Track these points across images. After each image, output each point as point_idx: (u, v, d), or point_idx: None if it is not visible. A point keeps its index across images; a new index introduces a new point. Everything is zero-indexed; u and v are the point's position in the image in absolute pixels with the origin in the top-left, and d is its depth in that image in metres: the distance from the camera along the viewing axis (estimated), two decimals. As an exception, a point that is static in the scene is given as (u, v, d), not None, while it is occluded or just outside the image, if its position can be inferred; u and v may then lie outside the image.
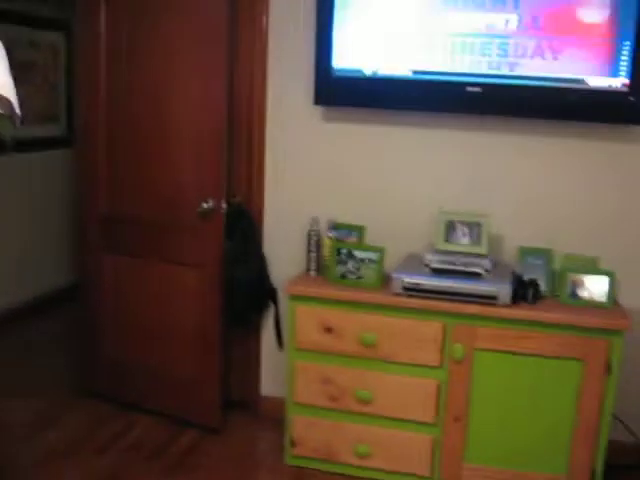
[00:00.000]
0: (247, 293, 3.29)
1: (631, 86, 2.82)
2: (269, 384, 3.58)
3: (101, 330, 3.58)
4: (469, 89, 2.94)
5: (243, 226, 3.30)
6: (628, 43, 2.79)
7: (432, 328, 2.81)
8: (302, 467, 3.09)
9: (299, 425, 3.05)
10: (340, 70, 3.07)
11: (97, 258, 3.53)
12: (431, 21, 2.94)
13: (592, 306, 2.84)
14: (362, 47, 3.04)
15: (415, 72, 3.00)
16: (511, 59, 2.90)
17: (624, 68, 2.82)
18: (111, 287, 3.52)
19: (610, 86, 2.85)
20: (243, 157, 3.37)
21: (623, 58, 2.81)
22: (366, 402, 2.93)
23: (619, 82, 2.84)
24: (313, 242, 3.15)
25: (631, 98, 2.83)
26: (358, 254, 2.97)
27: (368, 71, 3.04)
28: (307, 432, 3.04)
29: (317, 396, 2.99)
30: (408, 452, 2.94)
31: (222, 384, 3.34)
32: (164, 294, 3.37)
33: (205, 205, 3.12)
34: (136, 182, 3.37)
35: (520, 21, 2.85)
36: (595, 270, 2.93)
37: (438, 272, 2.87)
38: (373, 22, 3.00)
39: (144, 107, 3.28)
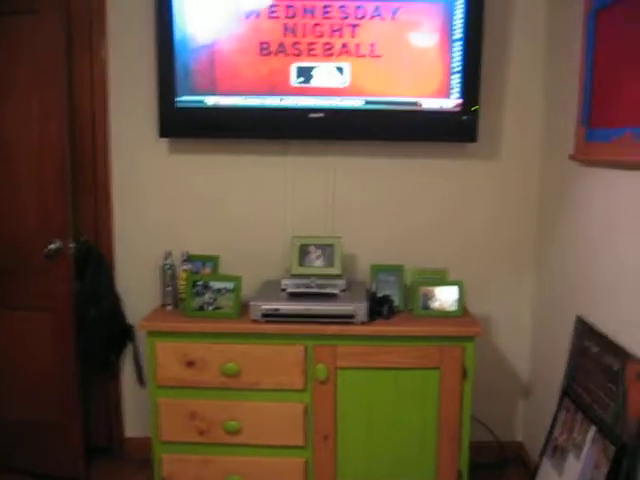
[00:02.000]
0: (102, 334, 3.20)
1: (463, 106, 3.00)
2: (134, 425, 3.48)
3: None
4: (312, 115, 3.01)
5: (93, 265, 3.20)
6: (458, 66, 2.97)
7: (294, 351, 2.83)
8: (174, 506, 3.01)
9: (168, 463, 2.96)
10: (183, 101, 3.05)
11: None
12: (269, 50, 3.00)
13: (444, 316, 2.97)
14: (203, 78, 3.03)
15: (256, 99, 3.03)
16: (350, 83, 3.00)
17: (456, 90, 2.99)
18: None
19: (442, 107, 3.01)
20: (89, 194, 3.28)
21: (455, 80, 2.98)
22: (235, 432, 2.90)
23: (452, 103, 3.00)
24: (167, 276, 3.10)
25: (464, 117, 3.00)
26: (214, 285, 2.94)
27: (210, 101, 3.04)
28: (177, 469, 2.97)
29: (184, 432, 2.93)
30: (281, 477, 2.93)
31: (83, 431, 3.21)
32: (11, 343, 3.18)
33: (51, 246, 2.99)
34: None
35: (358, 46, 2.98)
36: (444, 281, 3.07)
37: (295, 296, 2.90)
38: (213, 54, 3.01)
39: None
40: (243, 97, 3.03)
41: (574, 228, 2.81)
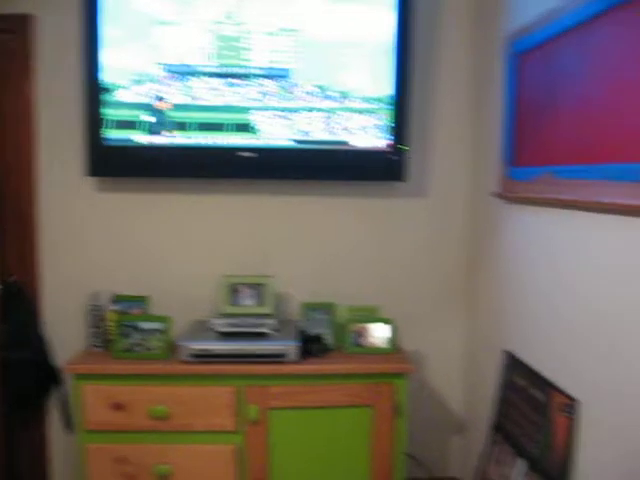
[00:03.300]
0: (28, 376, 3.10)
1: (393, 146, 3.04)
2: (61, 471, 3.35)
3: None
4: (242, 154, 3.01)
5: (19, 306, 3.12)
6: (389, 106, 3.02)
7: (224, 392, 2.79)
8: None
9: (97, 512, 2.87)
10: (111, 139, 3.00)
11: None
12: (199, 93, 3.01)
13: (376, 353, 2.97)
14: (130, 118, 3.01)
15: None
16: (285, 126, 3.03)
17: (386, 130, 3.03)
18: None
19: (375, 146, 3.05)
20: (15, 234, 3.20)
21: (386, 120, 3.03)
22: (166, 477, 2.83)
23: (383, 143, 3.04)
24: (95, 317, 3.03)
25: (393, 157, 3.05)
26: (143, 325, 2.89)
27: (138, 139, 3.02)
28: (105, 518, 2.88)
29: (113, 478, 2.83)
30: (212, 522, 2.87)
31: (7, 478, 3.08)
32: None
33: (-25, 288, 2.92)
34: None
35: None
36: (376, 319, 3.07)
37: (225, 336, 2.87)
38: (140, 94, 3.00)
39: None
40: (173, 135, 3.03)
41: (500, 264, 2.87)
